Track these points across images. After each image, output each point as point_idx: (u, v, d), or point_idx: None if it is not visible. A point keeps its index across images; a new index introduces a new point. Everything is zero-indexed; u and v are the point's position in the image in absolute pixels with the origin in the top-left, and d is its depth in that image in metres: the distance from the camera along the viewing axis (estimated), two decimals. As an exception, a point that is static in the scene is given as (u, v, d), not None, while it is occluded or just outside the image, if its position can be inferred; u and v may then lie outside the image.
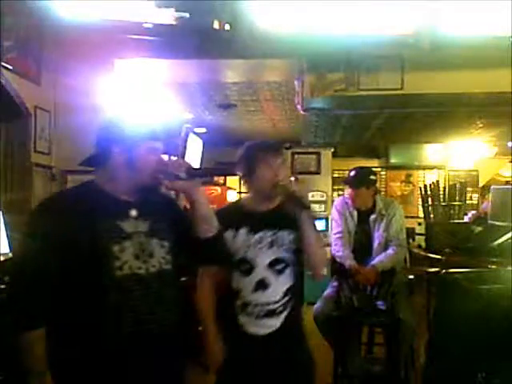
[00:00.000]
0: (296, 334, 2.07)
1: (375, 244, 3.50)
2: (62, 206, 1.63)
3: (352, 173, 3.62)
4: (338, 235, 3.58)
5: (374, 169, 4.11)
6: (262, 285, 1.96)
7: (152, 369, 1.64)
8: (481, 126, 6.72)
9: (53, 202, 1.71)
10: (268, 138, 2.21)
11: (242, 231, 2.02)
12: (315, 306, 3.58)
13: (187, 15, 3.24)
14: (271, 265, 1.98)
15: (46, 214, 1.62)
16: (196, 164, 6.79)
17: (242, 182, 2.14)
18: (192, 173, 1.70)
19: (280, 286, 1.99)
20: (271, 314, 1.96)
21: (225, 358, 1.99)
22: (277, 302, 1.97)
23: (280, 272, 1.99)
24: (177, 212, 1.88)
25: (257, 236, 2.01)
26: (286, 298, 2.00)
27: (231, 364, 1.97)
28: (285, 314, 1.99)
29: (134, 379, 1.62)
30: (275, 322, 1.97)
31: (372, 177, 3.60)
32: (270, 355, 1.97)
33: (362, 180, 3.54)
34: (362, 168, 3.75)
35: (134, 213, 1.69)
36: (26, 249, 1.64)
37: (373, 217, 3.51)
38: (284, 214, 1.98)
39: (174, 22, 3.21)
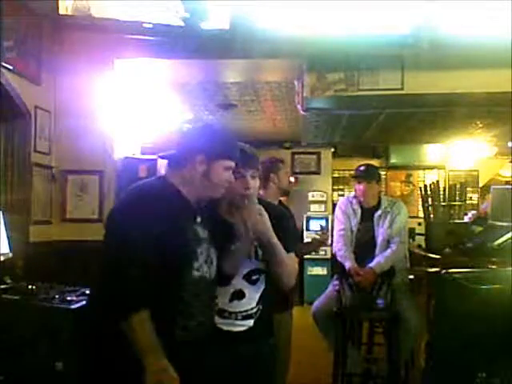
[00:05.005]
0: (266, 330, 2.10)
1: (379, 240, 3.54)
2: (153, 198, 1.69)
3: (362, 168, 3.68)
4: (340, 232, 3.63)
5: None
6: (237, 295, 1.98)
7: (199, 367, 1.79)
8: (481, 126, 6.70)
9: (143, 192, 1.74)
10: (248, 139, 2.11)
11: None
12: (314, 303, 3.59)
13: (187, 15, 3.25)
14: (247, 276, 1.99)
15: (141, 204, 1.67)
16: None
17: None
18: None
19: (255, 293, 2.01)
20: (247, 317, 2.00)
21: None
22: (252, 308, 2.01)
23: (255, 282, 2.01)
24: None
25: (232, 248, 1.98)
26: (260, 302, 2.03)
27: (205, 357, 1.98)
28: (258, 314, 2.02)
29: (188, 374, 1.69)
30: (249, 322, 2.01)
31: (380, 172, 3.75)
32: (242, 349, 1.99)
33: (372, 174, 3.62)
34: (370, 164, 3.85)
35: (199, 219, 1.79)
36: (127, 236, 1.63)
37: (378, 213, 3.56)
38: None
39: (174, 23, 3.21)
